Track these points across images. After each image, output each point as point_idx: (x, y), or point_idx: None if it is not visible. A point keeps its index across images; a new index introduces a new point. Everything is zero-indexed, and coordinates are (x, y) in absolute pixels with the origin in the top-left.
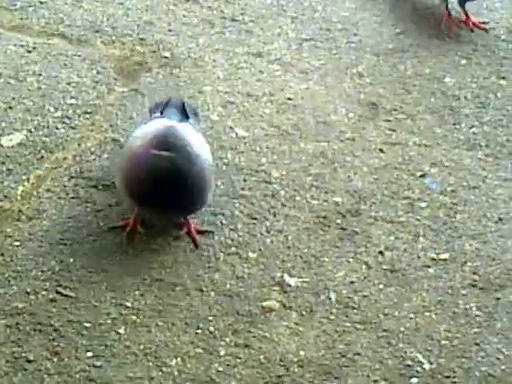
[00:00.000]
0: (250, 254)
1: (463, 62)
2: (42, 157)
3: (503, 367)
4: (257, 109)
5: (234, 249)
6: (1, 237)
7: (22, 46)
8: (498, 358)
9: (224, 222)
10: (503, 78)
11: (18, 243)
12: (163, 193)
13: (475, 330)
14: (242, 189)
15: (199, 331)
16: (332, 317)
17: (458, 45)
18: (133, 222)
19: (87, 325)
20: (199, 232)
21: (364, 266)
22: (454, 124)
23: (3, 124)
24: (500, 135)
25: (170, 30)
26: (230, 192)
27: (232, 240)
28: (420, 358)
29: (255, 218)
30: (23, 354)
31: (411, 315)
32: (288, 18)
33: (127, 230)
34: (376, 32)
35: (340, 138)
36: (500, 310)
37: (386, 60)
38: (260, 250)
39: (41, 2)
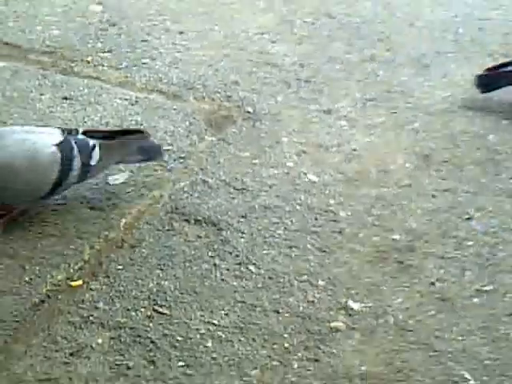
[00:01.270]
0: (320, 282)
1: (505, 122)
2: (142, 194)
3: None
4: (326, 158)
5: (305, 277)
6: (106, 261)
7: (126, 99)
8: None
9: (297, 253)
10: None
11: (120, 267)
12: None
13: None
14: (313, 226)
15: (275, 346)
16: (390, 337)
17: (499, 106)
18: None
19: (179, 338)
20: None
21: (418, 295)
22: (496, 174)
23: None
24: None
25: (252, 89)
26: (303, 228)
27: (304, 269)
28: (466, 375)
29: (324, 251)
30: (124, 362)
31: (459, 338)
32: (354, 80)
33: None
34: (430, 94)
35: (398, 185)
36: None
37: (438, 118)
38: (328, 278)
39: (143, 63)
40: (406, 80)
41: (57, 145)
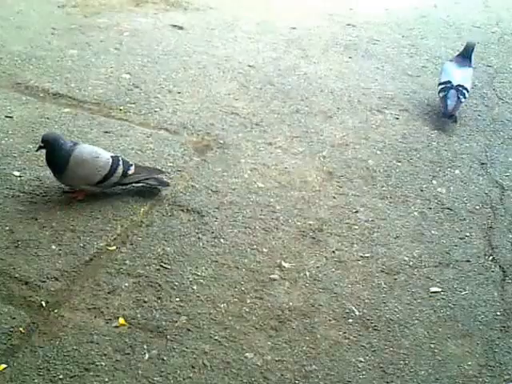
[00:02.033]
0: (264, 249)
1: (379, 152)
2: (154, 193)
3: None
4: (268, 172)
5: (255, 246)
6: (131, 235)
7: (144, 133)
8: None
9: (250, 232)
10: None
11: (140, 238)
12: None
13: None
14: (260, 215)
15: (236, 289)
16: (307, 285)
17: (381, 141)
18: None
19: (176, 283)
20: None
21: (324, 259)
22: (373, 184)
23: None
24: None
25: (223, 129)
26: (254, 216)
27: (254, 242)
28: (354, 309)
29: (266, 231)
30: (141, 298)
31: (349, 286)
32: (286, 125)
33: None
34: (331, 134)
35: (312, 190)
36: None
37: (337, 149)
38: (269, 247)
39: (155, 111)
40: (318, 125)
41: (111, 156)
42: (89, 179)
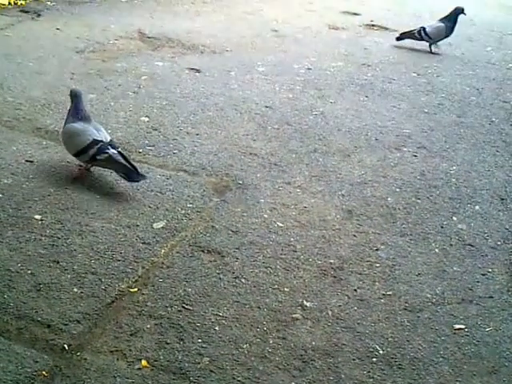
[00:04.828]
0: (285, 289)
1: (397, 190)
2: (174, 234)
3: None
4: (288, 212)
5: (276, 286)
6: (152, 276)
7: (164, 175)
8: None
9: (271, 271)
10: None
11: (161, 280)
12: None
13: None
14: (281, 254)
15: (258, 329)
16: (329, 324)
17: (399, 178)
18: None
19: (198, 324)
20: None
21: (346, 297)
22: (393, 222)
23: (153, 216)
24: None
25: (241, 169)
26: (274, 255)
27: (275, 281)
28: (378, 348)
29: (287, 270)
30: (163, 340)
31: (368, 323)
32: (304, 164)
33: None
34: (349, 173)
35: (332, 228)
36: None
37: (357, 188)
38: (290, 286)
39: (173, 153)
40: (336, 164)
41: (94, 139)
42: (67, 149)
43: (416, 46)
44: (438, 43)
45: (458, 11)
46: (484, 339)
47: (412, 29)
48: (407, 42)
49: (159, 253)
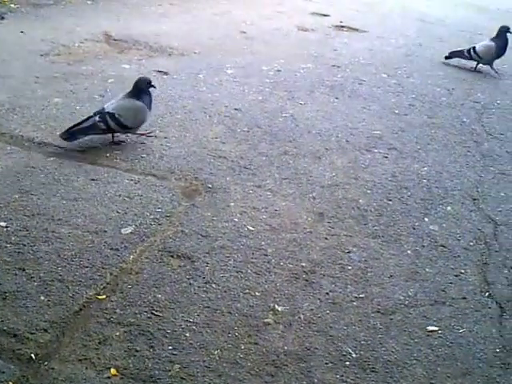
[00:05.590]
0: (257, 293)
1: (369, 191)
2: (143, 239)
3: None
4: (258, 215)
5: (247, 290)
6: (121, 283)
7: (132, 180)
8: None
9: (242, 276)
10: None
11: (130, 286)
12: None
13: None
14: (251, 258)
15: (230, 335)
16: (301, 328)
17: (370, 180)
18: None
19: (168, 331)
20: None
21: (318, 301)
22: (365, 224)
23: (121, 222)
24: None
25: (211, 173)
26: (245, 260)
27: (246, 286)
28: (350, 350)
29: (259, 274)
30: (133, 347)
31: (342, 326)
32: (274, 167)
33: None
34: (320, 174)
35: (303, 231)
36: None
37: (328, 190)
38: (262, 291)
39: (141, 157)
40: (307, 166)
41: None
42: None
43: (387, 48)
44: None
45: (504, 29)
46: (457, 341)
47: (461, 48)
48: (368, 44)
49: (128, 259)
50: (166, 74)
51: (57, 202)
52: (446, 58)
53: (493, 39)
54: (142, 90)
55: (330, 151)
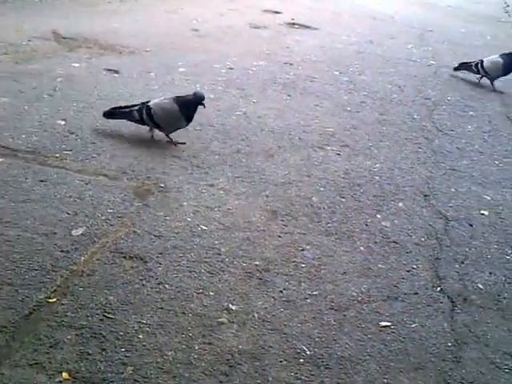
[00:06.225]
0: (211, 293)
1: (322, 189)
2: (95, 241)
3: None
4: (211, 214)
5: (201, 290)
6: (72, 285)
7: (83, 180)
8: None
9: (195, 276)
10: None
11: (81, 289)
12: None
13: None
14: (205, 257)
15: (183, 335)
16: (255, 326)
17: (323, 178)
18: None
19: (121, 333)
20: None
21: (272, 299)
22: (318, 221)
23: (72, 223)
24: None
25: (163, 172)
26: (198, 259)
27: (199, 286)
28: (305, 348)
29: (212, 274)
30: (85, 350)
31: (296, 324)
32: (227, 165)
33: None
34: (273, 173)
35: (257, 230)
36: None
37: (281, 188)
38: (215, 290)
39: (92, 157)
40: (260, 164)
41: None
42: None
43: (339, 46)
44: (495, 81)
45: None
46: (410, 335)
47: (471, 60)
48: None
49: (79, 261)
50: (116, 72)
51: (5, 204)
52: (455, 69)
53: (502, 55)
54: (191, 101)
55: (283, 149)
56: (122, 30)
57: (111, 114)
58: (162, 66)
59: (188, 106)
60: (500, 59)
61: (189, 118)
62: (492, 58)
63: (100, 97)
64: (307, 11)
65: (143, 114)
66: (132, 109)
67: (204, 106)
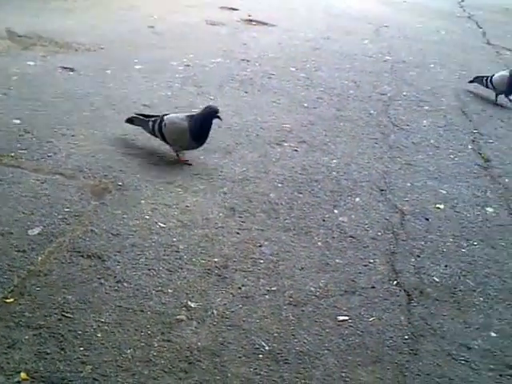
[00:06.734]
0: (169, 290)
1: (280, 185)
2: (52, 240)
3: None
4: (169, 212)
5: (160, 288)
6: (29, 285)
7: (39, 180)
8: None
9: (154, 273)
10: None
11: (39, 288)
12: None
13: None
14: (163, 255)
15: (142, 333)
16: (214, 323)
17: (280, 174)
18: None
19: (80, 332)
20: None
21: (230, 295)
22: (276, 218)
23: (28, 223)
24: None
25: (121, 170)
26: (157, 257)
27: (158, 283)
28: (263, 343)
29: (171, 271)
30: (43, 350)
31: (256, 320)
32: None
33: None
34: (231, 170)
35: (215, 227)
36: None
37: (239, 185)
38: (174, 288)
39: (48, 156)
40: (217, 161)
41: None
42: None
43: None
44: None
45: None
46: (368, 329)
47: (485, 74)
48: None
49: (36, 260)
50: (72, 70)
51: None
52: (470, 81)
53: (511, 70)
54: (204, 116)
55: (241, 146)
56: (77, 28)
57: (131, 120)
58: (118, 63)
59: (199, 123)
60: (507, 74)
61: (198, 138)
62: (501, 73)
63: (56, 95)
64: (264, 8)
65: (155, 125)
66: (150, 119)
67: (220, 119)
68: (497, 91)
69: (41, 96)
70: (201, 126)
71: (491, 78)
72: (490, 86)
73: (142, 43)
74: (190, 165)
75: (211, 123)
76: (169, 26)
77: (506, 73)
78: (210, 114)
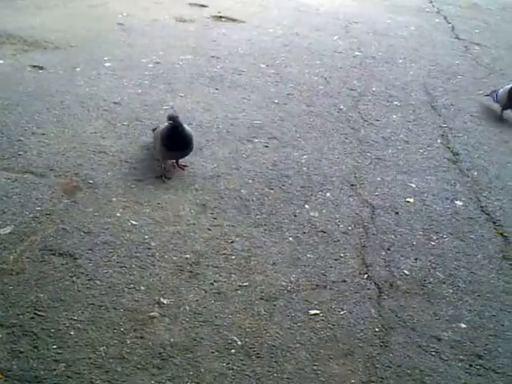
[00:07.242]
0: (142, 287)
1: (250, 181)
2: (23, 239)
3: None
4: (142, 209)
5: (132, 285)
6: (1, 284)
7: (9, 179)
8: None
9: (126, 271)
10: None
11: (11, 287)
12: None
13: None
14: (135, 252)
15: (115, 330)
16: (187, 319)
17: (251, 173)
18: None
19: (53, 330)
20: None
21: (203, 291)
22: (248, 214)
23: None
24: None
25: (92, 168)
26: (128, 254)
27: (130, 280)
28: (236, 339)
29: (143, 268)
30: (17, 349)
31: (228, 315)
32: (155, 161)
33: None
34: (202, 166)
35: (187, 223)
36: None
37: (209, 181)
38: (147, 285)
39: (18, 154)
40: (188, 158)
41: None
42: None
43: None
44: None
45: None
46: (339, 322)
47: (496, 88)
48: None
49: (8, 259)
50: (41, 68)
51: None
52: (486, 95)
53: None
54: (169, 124)
55: (211, 142)
56: (46, 26)
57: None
58: (87, 61)
59: (165, 131)
60: (508, 87)
61: (169, 145)
62: (506, 87)
63: (26, 93)
64: (233, 4)
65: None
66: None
67: (170, 124)
68: (500, 104)
69: (10, 94)
70: (167, 136)
71: (498, 92)
72: (495, 99)
73: (112, 40)
74: (168, 178)
75: (178, 131)
76: (138, 23)
77: (508, 86)
78: (169, 121)
